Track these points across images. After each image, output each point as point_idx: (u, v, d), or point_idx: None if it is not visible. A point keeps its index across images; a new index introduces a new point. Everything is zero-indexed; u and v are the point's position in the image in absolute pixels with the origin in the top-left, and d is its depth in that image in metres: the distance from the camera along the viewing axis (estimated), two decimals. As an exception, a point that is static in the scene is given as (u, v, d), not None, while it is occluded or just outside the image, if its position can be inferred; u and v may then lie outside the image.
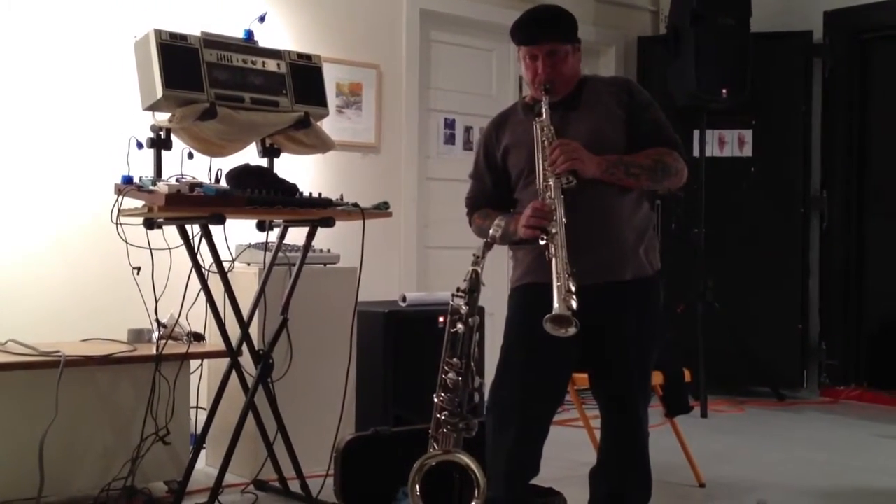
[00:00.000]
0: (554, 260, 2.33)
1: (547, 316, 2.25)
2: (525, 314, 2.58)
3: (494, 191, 2.71)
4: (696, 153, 5.55)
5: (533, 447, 2.59)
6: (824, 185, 5.78)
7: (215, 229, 3.10)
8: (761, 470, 3.93)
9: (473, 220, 2.76)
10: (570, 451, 3.44)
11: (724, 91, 5.38)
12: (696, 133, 5.56)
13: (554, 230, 2.36)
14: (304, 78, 3.29)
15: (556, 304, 2.25)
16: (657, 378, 3.67)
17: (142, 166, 3.13)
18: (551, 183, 2.42)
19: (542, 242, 2.37)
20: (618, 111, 2.60)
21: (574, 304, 2.25)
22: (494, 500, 2.46)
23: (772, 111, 5.77)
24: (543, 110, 2.52)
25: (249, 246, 3.71)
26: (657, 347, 2.69)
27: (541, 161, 2.47)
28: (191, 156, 3.19)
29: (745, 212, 5.79)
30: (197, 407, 3.65)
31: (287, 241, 3.48)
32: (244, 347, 3.27)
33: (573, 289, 2.27)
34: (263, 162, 3.38)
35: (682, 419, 3.78)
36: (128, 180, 3.03)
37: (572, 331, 2.24)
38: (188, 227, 3.12)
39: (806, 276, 5.78)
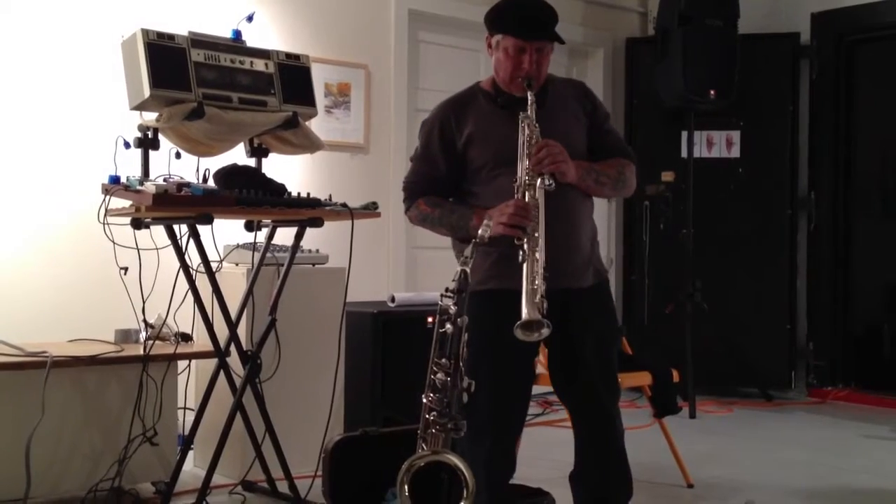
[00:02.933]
0: (527, 262, 2.31)
1: (518, 322, 2.25)
2: (490, 322, 2.46)
3: (446, 178, 2.60)
4: (684, 154, 5.58)
5: (509, 451, 2.60)
6: (811, 186, 5.80)
7: (203, 229, 3.09)
8: (749, 470, 3.94)
9: (417, 205, 2.62)
10: (557, 451, 3.44)
11: (711, 92, 5.40)
12: (684, 134, 5.58)
13: (534, 231, 2.35)
14: (292, 78, 3.28)
15: (526, 310, 2.25)
16: (645, 379, 3.68)
17: (129, 166, 3.12)
18: (536, 183, 2.39)
19: (517, 242, 2.35)
20: (581, 117, 2.61)
21: (545, 307, 2.25)
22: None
23: (759, 112, 5.79)
24: (530, 107, 2.45)
25: (237, 246, 3.69)
26: (617, 346, 2.72)
27: (525, 159, 2.42)
28: (178, 156, 3.18)
29: (733, 213, 5.80)
30: (185, 408, 3.63)
31: (275, 241, 3.47)
32: (232, 348, 3.26)
33: (543, 292, 2.27)
34: (251, 162, 3.37)
35: (671, 420, 3.79)
36: (115, 180, 3.02)
37: (545, 332, 2.25)
38: (176, 227, 3.11)
39: (794, 277, 5.80)
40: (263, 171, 3.32)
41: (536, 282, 2.28)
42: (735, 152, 5.85)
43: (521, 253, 2.33)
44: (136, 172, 3.08)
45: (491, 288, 2.52)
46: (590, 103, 2.65)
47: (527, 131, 2.44)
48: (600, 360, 2.60)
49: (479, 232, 2.34)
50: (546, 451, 3.83)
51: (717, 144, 5.87)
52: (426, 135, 2.63)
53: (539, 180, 2.39)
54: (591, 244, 2.63)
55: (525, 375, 2.60)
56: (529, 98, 2.46)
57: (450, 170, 2.59)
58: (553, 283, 2.35)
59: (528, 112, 2.45)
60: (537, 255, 2.32)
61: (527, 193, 2.39)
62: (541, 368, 2.95)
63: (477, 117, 2.57)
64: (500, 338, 2.36)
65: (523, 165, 2.42)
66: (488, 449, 2.52)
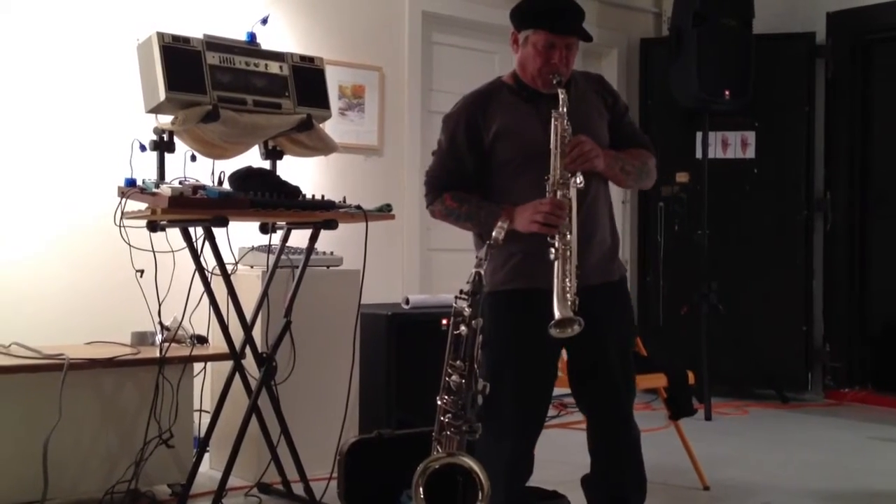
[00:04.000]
0: (559, 260, 2.32)
1: (552, 321, 2.26)
2: (517, 321, 2.50)
3: (471, 173, 2.57)
4: (698, 155, 5.55)
5: (529, 452, 2.59)
6: (828, 186, 5.77)
7: (218, 232, 3.10)
8: (766, 473, 3.92)
9: (442, 199, 2.59)
10: (573, 454, 3.42)
11: (726, 93, 5.38)
12: (699, 135, 5.56)
13: (567, 232, 2.35)
14: (306, 80, 3.29)
15: (558, 309, 2.25)
16: (661, 381, 3.66)
17: (145, 169, 3.13)
18: (570, 182, 2.39)
19: (550, 240, 2.35)
20: (602, 108, 2.62)
21: (577, 304, 2.27)
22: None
23: (775, 113, 5.76)
24: (562, 104, 2.43)
25: (252, 248, 3.70)
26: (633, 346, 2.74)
27: (557, 157, 2.41)
28: (193, 158, 3.19)
29: (749, 214, 5.78)
30: (200, 410, 3.64)
31: (290, 243, 3.47)
32: (247, 350, 3.27)
33: (575, 289, 2.28)
34: (266, 164, 3.38)
35: (686, 422, 3.77)
36: (131, 183, 3.03)
37: (577, 329, 2.27)
38: (191, 229, 3.12)
39: (810, 278, 5.77)
40: (278, 173, 3.33)
41: (568, 280, 2.29)
42: (750, 153, 5.82)
43: (552, 251, 2.34)
44: (152, 175, 3.09)
45: (517, 287, 2.51)
46: (610, 96, 2.65)
47: (559, 129, 2.42)
48: (621, 359, 2.60)
49: (494, 234, 2.34)
50: (561, 453, 3.81)
51: (732, 145, 5.84)
52: (451, 129, 2.59)
53: (572, 180, 2.40)
54: (613, 237, 2.64)
55: (549, 376, 2.59)
56: (561, 95, 2.44)
57: (476, 165, 2.56)
58: (583, 280, 2.36)
59: (560, 109, 2.43)
60: (568, 253, 2.33)
61: (558, 192, 2.39)
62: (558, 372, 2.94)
63: (503, 112, 2.54)
64: (525, 337, 2.39)
65: (556, 163, 2.41)
66: (510, 449, 2.52)
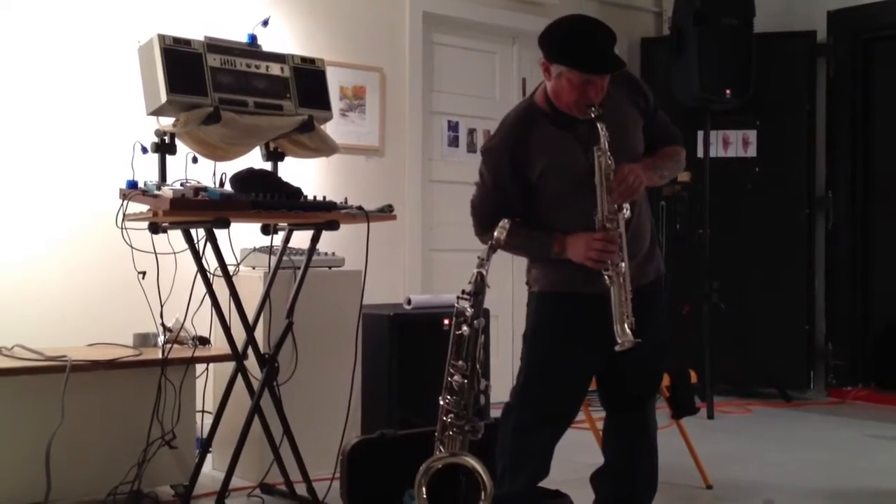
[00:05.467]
0: (615, 287, 2.41)
1: (617, 345, 2.39)
2: (563, 323, 2.59)
3: (518, 205, 2.56)
4: (700, 154, 5.55)
5: (553, 450, 2.66)
6: (829, 185, 5.77)
7: (220, 233, 3.10)
8: (768, 471, 3.92)
9: (491, 234, 2.50)
10: (576, 453, 3.43)
11: (727, 92, 5.38)
12: (700, 134, 5.55)
13: (620, 262, 2.41)
14: (307, 81, 3.29)
15: (619, 335, 2.39)
16: (663, 380, 3.66)
17: (146, 171, 3.14)
18: (619, 217, 2.43)
19: (605, 273, 2.42)
20: (636, 116, 2.59)
21: (633, 324, 2.40)
22: (510, 496, 2.48)
23: (776, 111, 5.76)
24: (603, 139, 2.41)
25: (254, 249, 3.71)
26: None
27: (603, 192, 2.42)
28: (195, 160, 3.20)
29: (750, 212, 5.78)
30: (203, 411, 3.65)
31: (292, 244, 3.48)
32: (249, 351, 3.27)
33: (630, 313, 2.41)
34: (268, 166, 3.38)
35: (689, 421, 3.78)
36: (132, 185, 3.04)
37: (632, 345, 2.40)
38: (193, 231, 3.12)
39: (811, 277, 5.76)
40: (279, 174, 3.33)
41: (624, 307, 2.40)
42: (752, 151, 5.82)
43: (606, 277, 2.42)
44: (154, 177, 3.10)
45: (567, 291, 2.58)
46: (642, 99, 2.62)
47: (603, 164, 2.42)
48: (653, 359, 2.66)
49: (496, 234, 2.36)
50: (564, 453, 3.80)
51: (733, 144, 5.84)
52: (495, 163, 2.57)
53: (620, 213, 2.44)
54: (651, 237, 2.67)
55: (587, 379, 2.68)
56: (601, 130, 2.41)
57: (521, 198, 2.57)
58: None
59: (602, 144, 2.41)
60: (622, 279, 2.41)
61: (607, 225, 2.43)
62: None
63: (545, 146, 2.52)
64: (573, 336, 2.53)
65: (603, 198, 2.43)
66: (543, 442, 2.60)
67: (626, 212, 2.45)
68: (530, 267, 2.70)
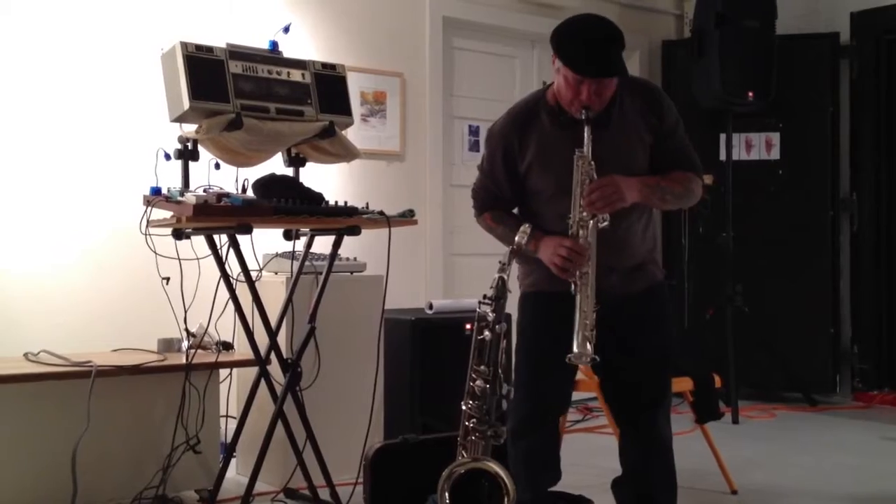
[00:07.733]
0: (579, 294, 2.37)
1: (569, 355, 2.35)
2: (542, 323, 2.60)
3: (510, 196, 2.65)
4: (722, 157, 5.52)
5: (550, 448, 2.66)
6: (853, 187, 5.72)
7: (243, 239, 3.12)
8: (793, 476, 3.89)
9: (483, 218, 2.72)
10: (599, 457, 3.42)
11: (749, 94, 5.35)
12: (723, 136, 5.53)
13: (586, 270, 2.38)
14: (328, 87, 3.30)
15: (577, 344, 2.34)
16: (687, 384, 3.65)
17: (170, 177, 3.16)
18: (590, 224, 2.40)
19: (570, 280, 2.40)
20: (646, 135, 2.54)
21: (594, 337, 2.35)
22: (531, 502, 2.48)
23: (799, 113, 5.72)
24: (586, 145, 2.39)
25: (277, 255, 3.72)
26: (674, 348, 2.72)
27: (578, 198, 2.40)
28: (217, 166, 3.22)
29: (774, 215, 5.74)
30: (227, 416, 3.67)
31: (314, 249, 3.49)
32: (272, 356, 3.28)
33: (594, 323, 2.35)
34: (289, 171, 3.40)
35: (713, 425, 3.75)
36: (156, 191, 3.06)
37: (590, 362, 2.37)
38: (216, 236, 3.14)
39: (836, 280, 5.71)
40: (301, 180, 3.35)
41: (587, 317, 2.35)
42: (775, 154, 5.78)
43: (572, 286, 2.40)
44: (177, 183, 3.11)
45: (547, 290, 2.58)
46: (655, 116, 2.54)
47: (581, 168, 2.41)
48: (651, 366, 2.62)
49: (517, 239, 2.36)
50: (587, 457, 3.80)
51: (756, 146, 5.81)
52: (491, 151, 2.64)
53: (592, 221, 2.40)
54: (646, 251, 2.64)
55: (567, 380, 2.67)
56: (586, 135, 2.39)
57: (513, 188, 2.62)
58: (606, 293, 2.43)
59: (584, 149, 2.40)
60: (588, 290, 2.37)
61: (581, 233, 2.41)
62: (581, 374, 2.96)
63: (538, 140, 2.53)
64: (543, 325, 2.56)
65: (577, 203, 2.41)
66: (535, 443, 2.61)
67: (605, 222, 2.41)
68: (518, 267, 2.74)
